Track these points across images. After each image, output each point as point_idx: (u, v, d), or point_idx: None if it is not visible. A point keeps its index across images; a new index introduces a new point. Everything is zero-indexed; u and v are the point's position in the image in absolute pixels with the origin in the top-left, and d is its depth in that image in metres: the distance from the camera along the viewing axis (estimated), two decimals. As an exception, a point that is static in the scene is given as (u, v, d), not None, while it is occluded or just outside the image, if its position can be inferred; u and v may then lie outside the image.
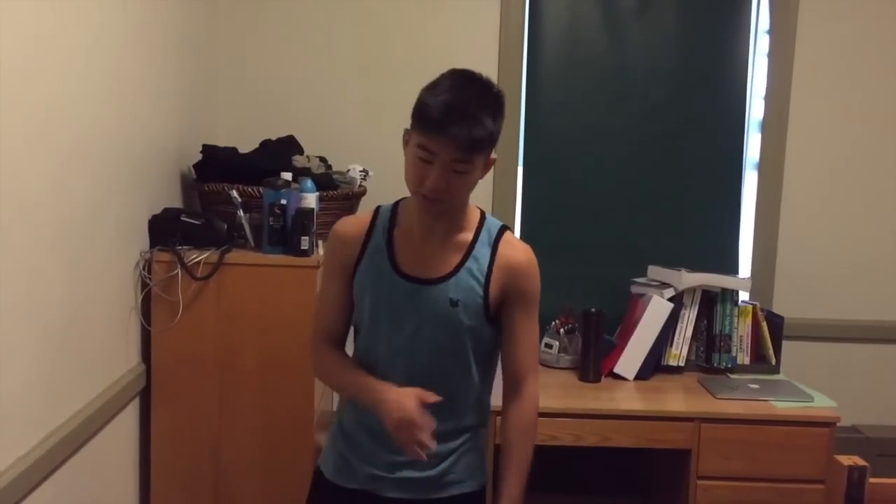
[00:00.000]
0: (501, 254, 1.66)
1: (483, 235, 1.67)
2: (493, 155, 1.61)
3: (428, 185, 1.53)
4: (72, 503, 1.87)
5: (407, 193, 1.64)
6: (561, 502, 3.14)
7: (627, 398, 2.65)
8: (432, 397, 1.56)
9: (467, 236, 1.66)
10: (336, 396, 2.85)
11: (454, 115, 1.48)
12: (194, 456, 2.33)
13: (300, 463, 2.32)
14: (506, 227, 1.71)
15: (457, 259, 1.64)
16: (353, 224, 1.73)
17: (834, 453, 2.30)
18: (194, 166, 2.59)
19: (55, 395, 1.77)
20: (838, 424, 2.51)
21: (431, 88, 1.55)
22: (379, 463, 1.69)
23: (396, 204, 1.73)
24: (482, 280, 1.64)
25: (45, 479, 1.71)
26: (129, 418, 2.23)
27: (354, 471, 1.71)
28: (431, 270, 1.64)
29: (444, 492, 1.71)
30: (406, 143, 1.59)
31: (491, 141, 1.56)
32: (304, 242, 2.31)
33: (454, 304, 1.61)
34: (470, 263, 1.64)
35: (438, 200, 1.56)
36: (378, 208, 1.73)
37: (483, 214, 1.71)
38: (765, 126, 3.14)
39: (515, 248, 1.68)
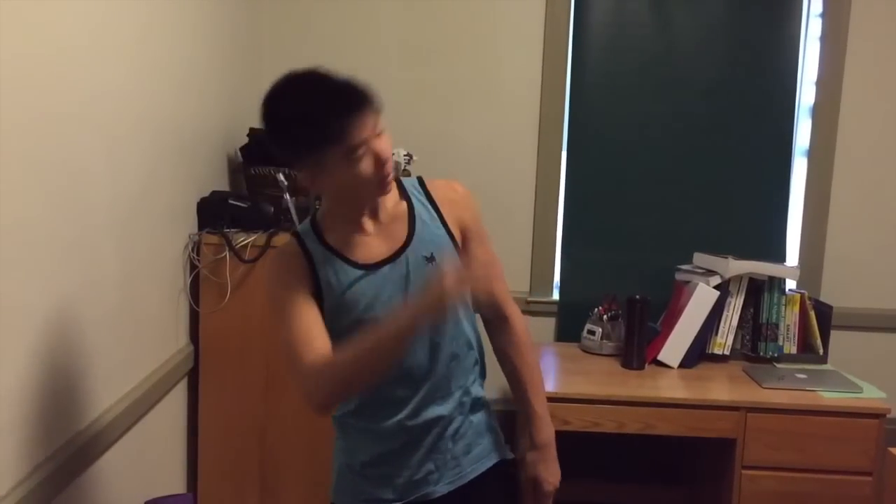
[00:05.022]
0: (437, 194, 1.61)
1: (410, 190, 1.61)
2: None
3: (384, 161, 1.44)
4: (122, 481, 1.92)
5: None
6: (604, 490, 3.14)
7: (671, 386, 2.63)
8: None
9: (400, 201, 1.59)
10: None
11: (334, 102, 1.40)
12: (240, 435, 2.37)
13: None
14: (420, 177, 1.66)
15: (404, 223, 1.57)
16: (289, 255, 1.55)
17: (883, 445, 2.27)
18: (241, 150, 2.62)
19: (108, 375, 1.81)
20: (888, 416, 2.47)
21: (286, 119, 1.43)
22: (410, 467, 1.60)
23: (311, 220, 1.59)
24: (438, 223, 1.59)
25: (98, 456, 1.75)
26: (177, 398, 2.27)
27: (390, 488, 1.61)
28: (391, 245, 1.55)
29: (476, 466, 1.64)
30: (314, 178, 1.47)
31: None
32: (350, 226, 2.31)
33: (430, 259, 1.54)
34: (418, 215, 1.58)
35: (389, 177, 1.47)
36: (294, 233, 1.58)
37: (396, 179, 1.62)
38: (816, 111, 3.07)
39: (446, 185, 1.64)
